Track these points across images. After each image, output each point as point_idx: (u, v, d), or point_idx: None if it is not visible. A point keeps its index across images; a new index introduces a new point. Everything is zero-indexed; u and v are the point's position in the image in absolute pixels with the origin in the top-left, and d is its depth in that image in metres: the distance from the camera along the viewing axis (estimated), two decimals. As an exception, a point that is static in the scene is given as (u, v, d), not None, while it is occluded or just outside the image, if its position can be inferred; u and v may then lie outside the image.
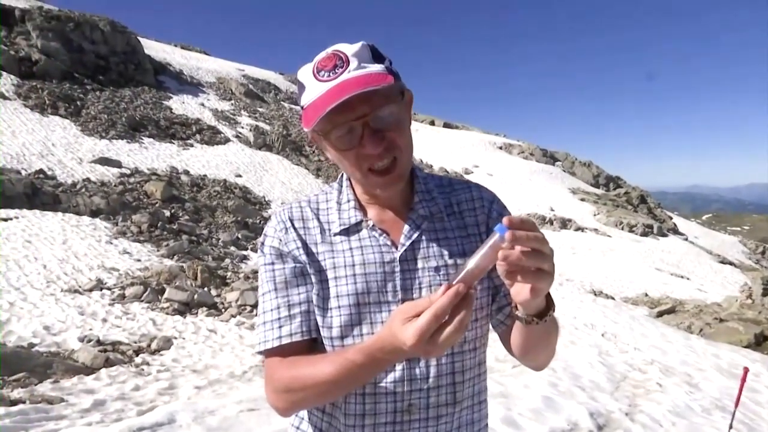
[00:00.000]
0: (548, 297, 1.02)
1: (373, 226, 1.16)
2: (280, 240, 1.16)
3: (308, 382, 1.04)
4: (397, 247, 1.15)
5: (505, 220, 0.86)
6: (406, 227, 1.17)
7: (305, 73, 1.08)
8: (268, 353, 1.13)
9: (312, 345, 1.14)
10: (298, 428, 1.26)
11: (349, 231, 1.17)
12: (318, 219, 1.19)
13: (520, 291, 0.93)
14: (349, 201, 1.19)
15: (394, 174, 1.10)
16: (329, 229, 1.18)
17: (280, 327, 1.12)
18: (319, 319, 1.13)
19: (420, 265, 1.14)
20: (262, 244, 1.19)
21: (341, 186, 1.23)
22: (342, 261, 1.13)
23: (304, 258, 1.14)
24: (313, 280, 1.14)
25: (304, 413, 1.24)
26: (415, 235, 1.16)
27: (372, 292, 1.11)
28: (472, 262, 0.89)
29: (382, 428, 1.12)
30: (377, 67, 1.04)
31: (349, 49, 1.06)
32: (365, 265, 1.12)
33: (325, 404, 1.17)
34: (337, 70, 1.03)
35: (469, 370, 1.17)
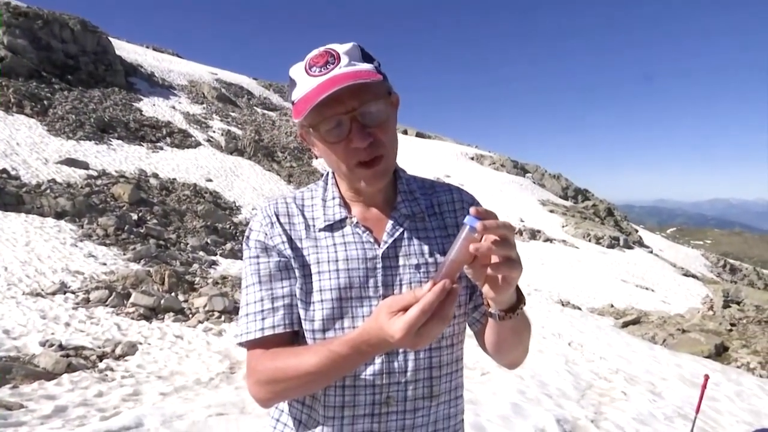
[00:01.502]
0: (518, 291, 1.08)
1: (356, 223, 1.19)
2: (266, 234, 1.19)
3: (291, 373, 1.06)
4: (379, 244, 1.18)
5: (472, 210, 0.92)
6: (389, 225, 1.20)
7: (297, 70, 1.12)
8: (250, 345, 1.15)
9: (293, 338, 1.16)
10: (278, 420, 1.27)
11: (333, 227, 1.19)
12: (303, 215, 1.22)
13: (491, 288, 0.99)
14: (334, 198, 1.22)
15: (380, 167, 1.13)
16: (314, 225, 1.20)
17: (263, 319, 1.14)
18: (301, 312, 1.15)
19: (401, 262, 1.17)
20: (248, 237, 1.21)
21: (326, 183, 1.26)
22: (326, 256, 1.16)
23: (288, 252, 1.17)
24: (297, 274, 1.16)
25: (284, 406, 1.26)
26: (398, 233, 1.19)
27: (354, 287, 1.14)
28: (450, 257, 0.93)
29: (361, 420, 1.14)
30: (367, 66, 1.09)
31: (341, 48, 1.10)
32: (348, 261, 1.15)
33: (304, 396, 1.19)
34: (328, 66, 1.07)
35: (446, 366, 1.21)
